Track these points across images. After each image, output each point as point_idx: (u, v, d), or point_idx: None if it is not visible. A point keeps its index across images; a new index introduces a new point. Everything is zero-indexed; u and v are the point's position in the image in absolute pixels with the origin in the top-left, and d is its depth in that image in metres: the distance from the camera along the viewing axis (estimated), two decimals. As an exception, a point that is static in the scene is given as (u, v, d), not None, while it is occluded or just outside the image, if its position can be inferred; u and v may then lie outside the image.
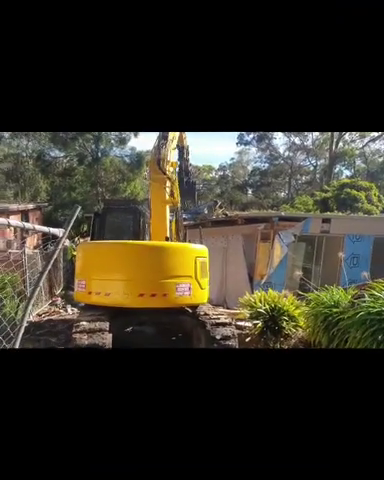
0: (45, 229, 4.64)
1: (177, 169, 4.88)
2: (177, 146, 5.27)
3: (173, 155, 4.22)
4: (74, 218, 1.77)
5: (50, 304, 6.37)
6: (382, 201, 14.55)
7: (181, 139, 5.43)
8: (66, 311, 5.85)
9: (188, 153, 5.85)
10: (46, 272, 2.00)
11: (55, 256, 1.99)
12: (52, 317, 5.38)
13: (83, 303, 3.91)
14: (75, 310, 5.53)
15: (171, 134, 4.26)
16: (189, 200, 6.17)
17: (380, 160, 27.72)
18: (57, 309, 6.05)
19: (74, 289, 3.84)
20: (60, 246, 2.07)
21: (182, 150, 5.65)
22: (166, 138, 4.12)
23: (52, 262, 1.95)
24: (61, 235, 2.02)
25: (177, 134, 4.64)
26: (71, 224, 1.83)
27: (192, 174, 6.06)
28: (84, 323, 3.00)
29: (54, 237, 4.45)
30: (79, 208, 1.82)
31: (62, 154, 20.41)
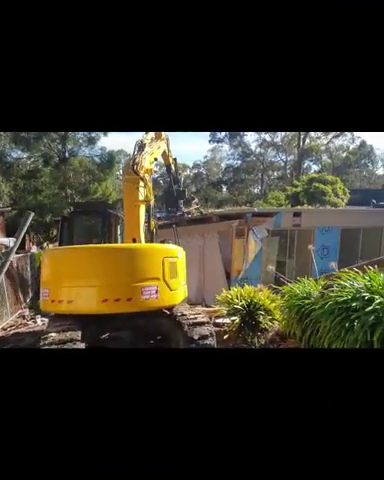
0: None
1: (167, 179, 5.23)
2: (166, 166, 5.89)
3: (148, 162, 4.29)
4: (26, 226, 1.69)
5: (17, 316, 6.06)
6: (346, 194, 15.32)
7: (166, 156, 5.80)
8: (35, 322, 5.57)
9: (176, 164, 6.47)
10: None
11: (5, 268, 1.88)
12: (19, 330, 5.11)
13: (48, 312, 3.75)
14: (45, 321, 5.26)
15: (148, 147, 4.38)
16: (182, 200, 6.96)
17: (343, 155, 29.23)
18: (25, 321, 5.75)
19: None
20: (11, 257, 1.96)
21: (169, 166, 6.23)
22: (142, 149, 4.23)
23: (1, 276, 1.84)
24: (12, 245, 1.91)
25: (156, 150, 4.76)
26: (23, 232, 1.74)
27: (181, 183, 6.68)
28: (53, 334, 2.87)
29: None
30: (31, 214, 1.74)
31: (25, 155, 19.38)
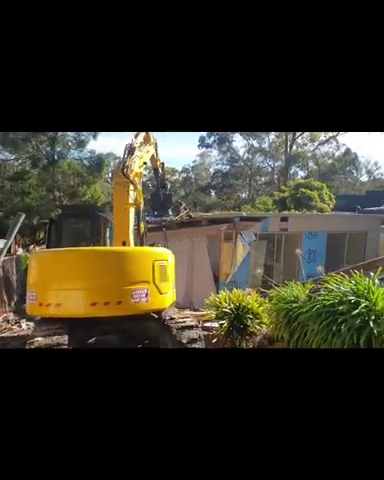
0: None
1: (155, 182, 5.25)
2: (154, 170, 5.90)
3: (138, 166, 4.32)
4: (17, 227, 1.65)
5: (1, 320, 5.89)
6: (332, 199, 15.72)
7: (154, 160, 5.86)
8: (20, 327, 5.44)
9: (163, 168, 6.51)
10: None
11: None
12: (3, 335, 4.98)
13: (34, 316, 3.66)
14: (31, 325, 5.15)
15: (137, 151, 4.42)
16: (168, 207, 6.95)
17: (329, 162, 30.06)
18: (9, 325, 5.60)
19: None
20: (1, 258, 1.89)
21: (157, 170, 6.28)
22: (132, 153, 4.26)
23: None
24: (1, 246, 1.85)
25: (145, 154, 4.79)
26: (14, 234, 1.69)
27: (168, 188, 6.70)
28: (39, 338, 2.79)
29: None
30: (22, 216, 1.71)
31: (13, 156, 19.03)
